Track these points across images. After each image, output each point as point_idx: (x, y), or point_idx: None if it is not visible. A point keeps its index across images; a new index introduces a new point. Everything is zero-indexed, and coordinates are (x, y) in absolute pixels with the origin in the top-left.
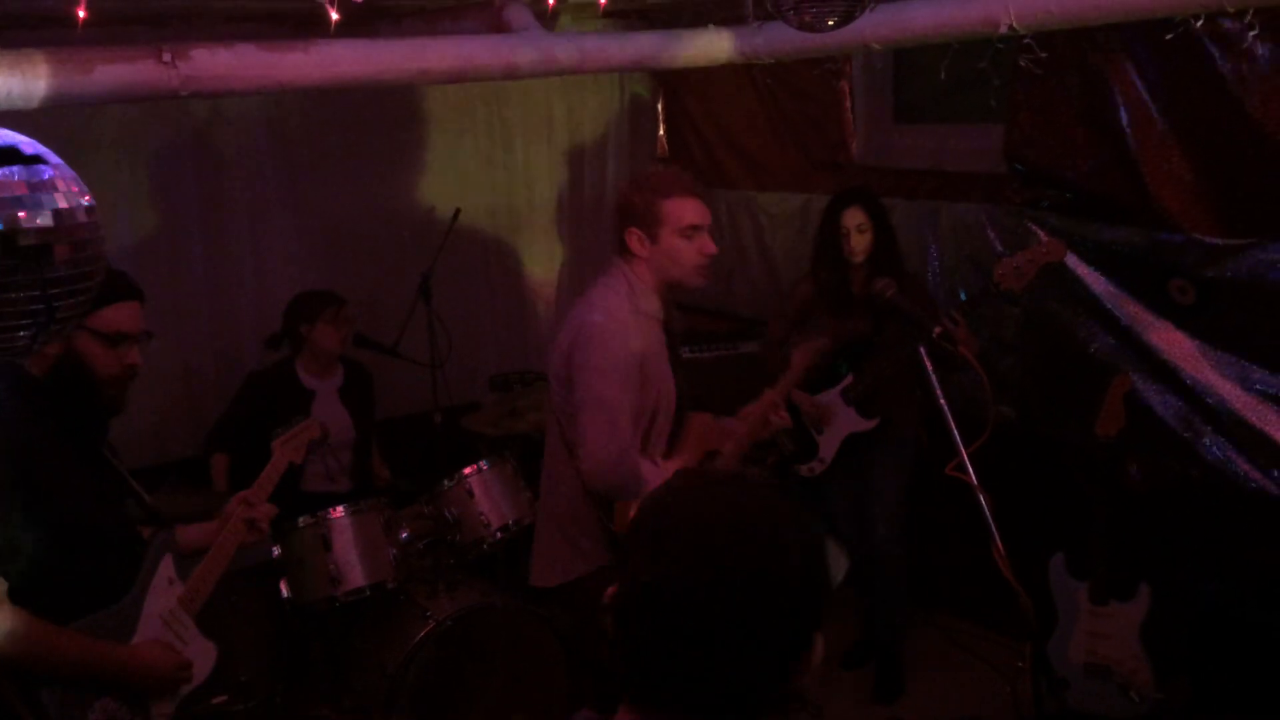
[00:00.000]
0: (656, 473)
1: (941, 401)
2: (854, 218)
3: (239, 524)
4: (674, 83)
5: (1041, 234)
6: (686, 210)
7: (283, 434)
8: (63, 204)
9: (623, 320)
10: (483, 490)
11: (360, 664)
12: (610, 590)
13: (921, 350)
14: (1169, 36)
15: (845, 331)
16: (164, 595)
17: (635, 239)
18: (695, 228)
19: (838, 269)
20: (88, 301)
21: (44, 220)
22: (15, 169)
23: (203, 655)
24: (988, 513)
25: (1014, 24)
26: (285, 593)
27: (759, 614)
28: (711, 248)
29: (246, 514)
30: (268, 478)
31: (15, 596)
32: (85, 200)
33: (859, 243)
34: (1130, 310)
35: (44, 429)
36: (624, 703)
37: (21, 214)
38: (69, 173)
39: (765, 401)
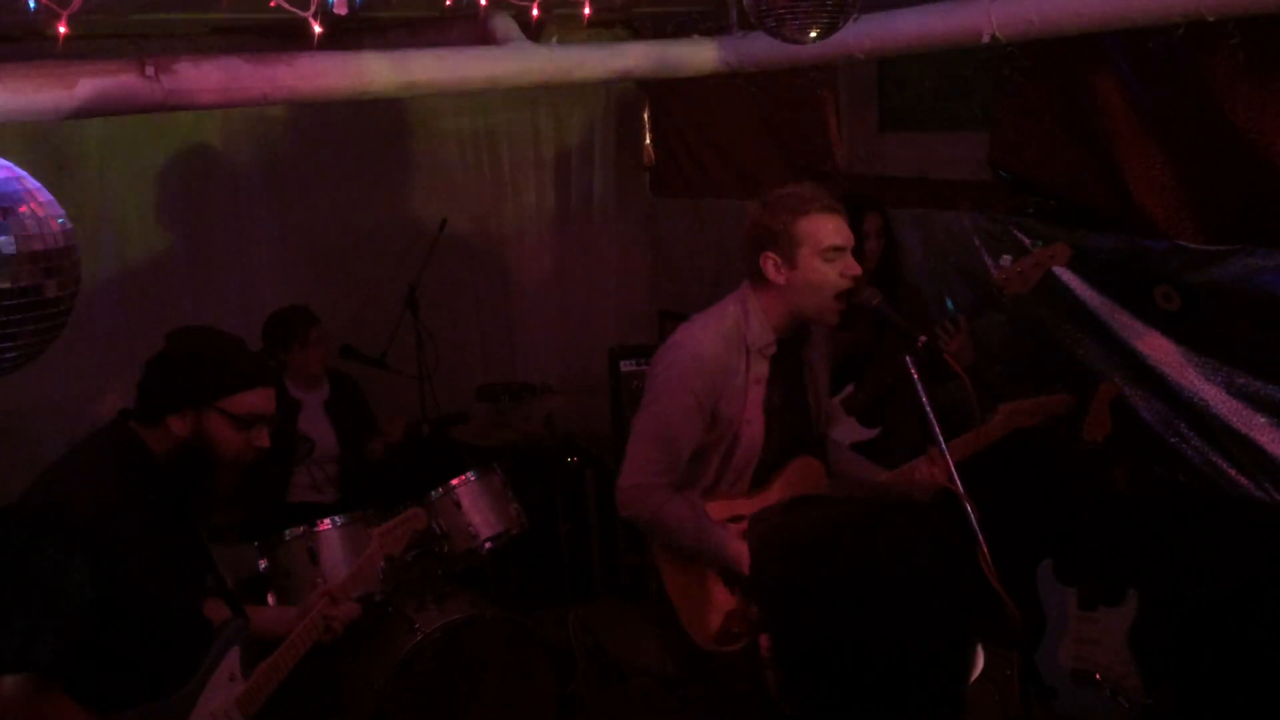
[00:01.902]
0: (692, 519)
1: (929, 411)
2: (873, 224)
3: (317, 619)
4: (660, 92)
5: (1025, 240)
6: (829, 228)
7: (382, 523)
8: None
9: (699, 350)
10: (471, 501)
11: (348, 679)
12: (765, 643)
13: (908, 360)
14: (1151, 44)
15: (846, 341)
16: (222, 691)
17: (771, 264)
18: (838, 249)
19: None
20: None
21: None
22: None
23: None
24: (974, 521)
25: (997, 34)
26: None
27: (937, 653)
28: (855, 269)
29: (328, 611)
30: (359, 573)
31: (69, 682)
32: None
33: (872, 250)
34: (1116, 316)
35: (142, 510)
36: None
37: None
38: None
39: (922, 460)
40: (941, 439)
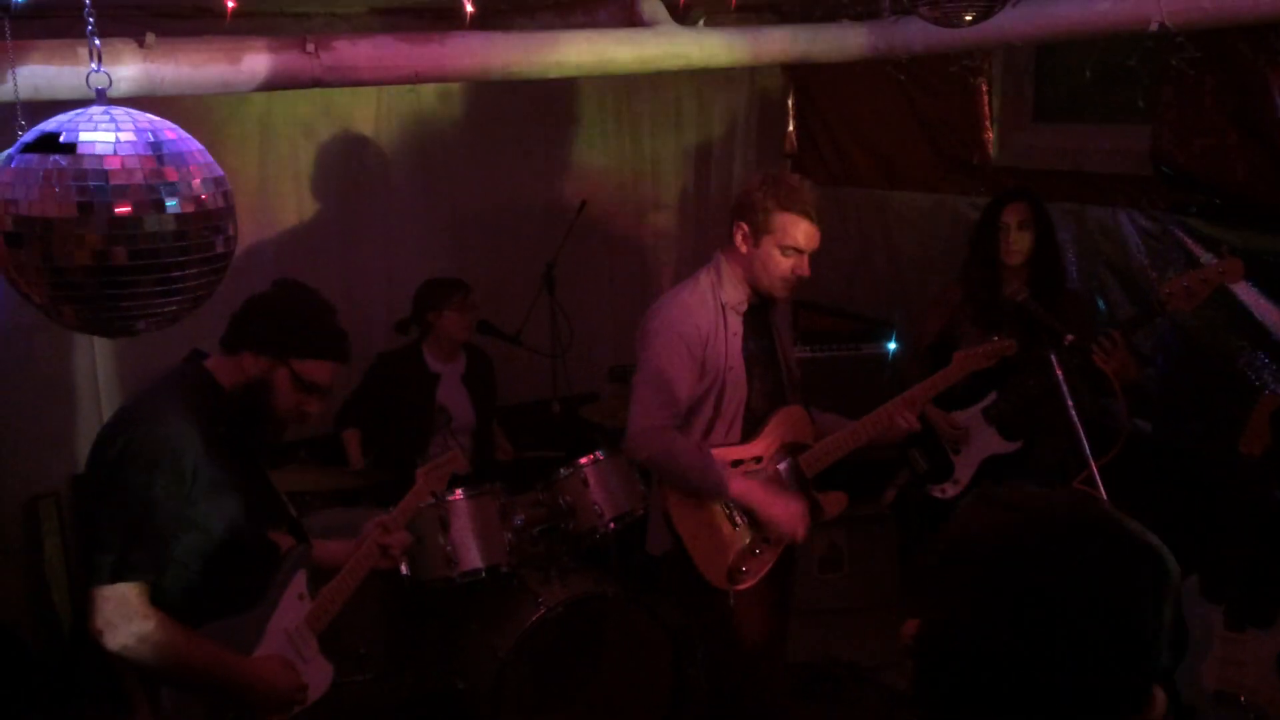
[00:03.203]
0: (697, 455)
1: (1072, 413)
2: (1017, 213)
3: (373, 547)
4: (805, 78)
5: (1186, 240)
6: (797, 231)
7: (425, 463)
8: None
9: (683, 303)
10: (598, 480)
11: (473, 645)
12: (910, 626)
13: (1052, 358)
14: None
15: (992, 346)
16: (293, 610)
17: (740, 235)
18: (798, 250)
19: (991, 272)
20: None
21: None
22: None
23: (320, 675)
24: None
25: (1166, 21)
26: (404, 570)
27: (1083, 661)
28: (805, 272)
29: (382, 539)
30: (408, 504)
31: (155, 594)
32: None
33: (1019, 242)
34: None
35: (215, 434)
36: None
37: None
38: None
39: (898, 400)
40: (1085, 443)
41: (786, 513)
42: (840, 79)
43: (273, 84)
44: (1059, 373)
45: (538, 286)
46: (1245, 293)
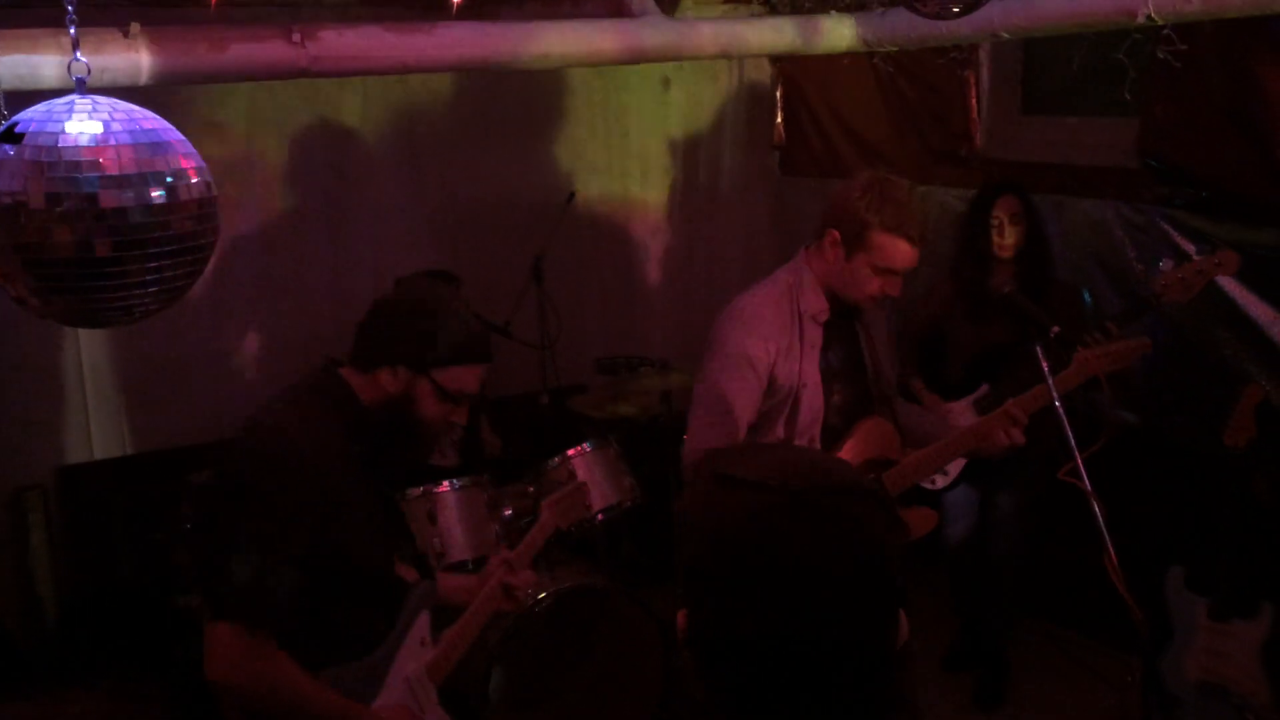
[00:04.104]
0: None
1: (1058, 404)
2: (1008, 206)
3: (497, 588)
4: (792, 70)
5: (1173, 233)
6: (896, 254)
7: (552, 494)
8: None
9: (756, 313)
10: (586, 472)
11: None
12: (681, 620)
13: (1038, 350)
14: None
15: (983, 338)
16: (414, 656)
17: (830, 241)
18: (893, 271)
19: (982, 267)
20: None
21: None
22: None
23: None
24: (1101, 520)
25: (1152, 14)
26: None
27: (854, 646)
28: (895, 291)
29: (506, 578)
30: (534, 540)
31: (279, 634)
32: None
33: (1010, 235)
34: (1266, 316)
35: (352, 454)
36: None
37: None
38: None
39: (999, 414)
40: (1070, 434)
41: None
42: (828, 71)
43: (258, 74)
44: (1045, 365)
45: (526, 278)
46: (1231, 285)
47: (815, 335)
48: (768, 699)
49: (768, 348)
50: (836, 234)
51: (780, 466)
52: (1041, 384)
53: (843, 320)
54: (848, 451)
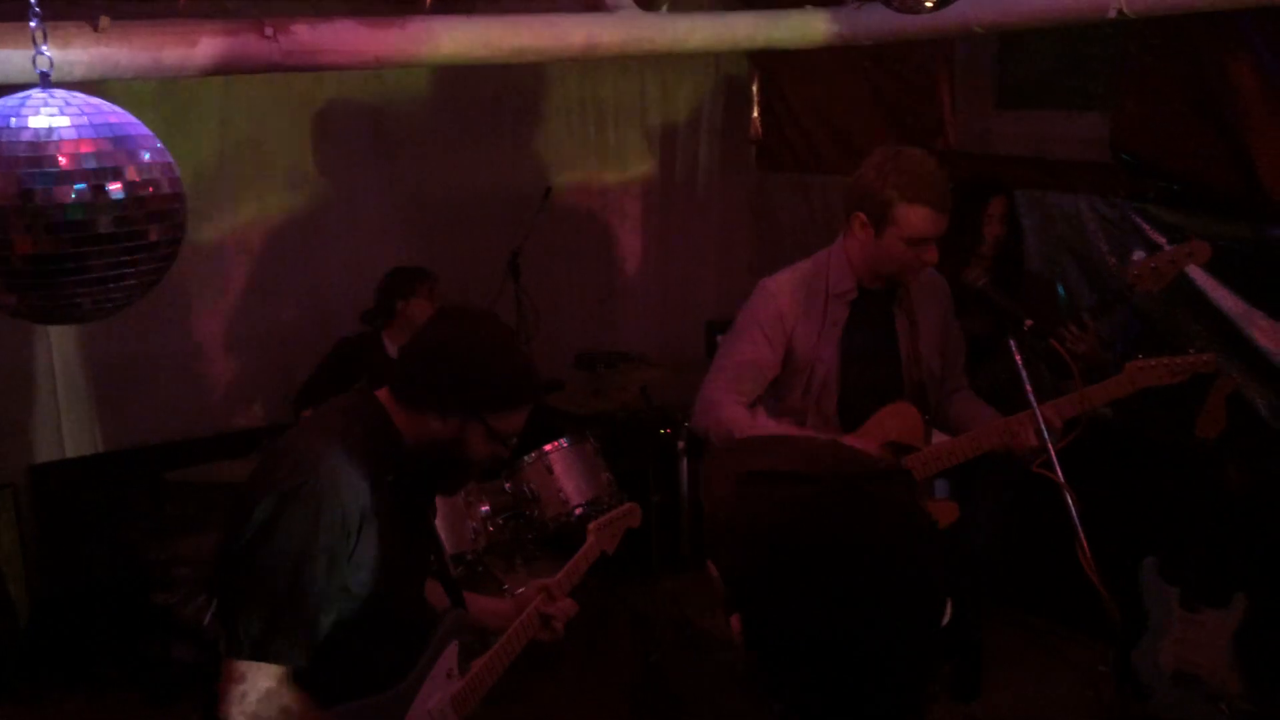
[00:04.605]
0: (745, 423)
1: (1031, 397)
2: (998, 207)
3: (534, 617)
4: (770, 65)
5: (1145, 226)
6: (922, 222)
7: (599, 518)
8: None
9: (781, 283)
10: (563, 467)
11: None
12: (736, 625)
13: (1011, 344)
14: None
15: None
16: (439, 688)
17: (859, 224)
18: (924, 240)
19: (961, 262)
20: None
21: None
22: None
23: None
24: (1074, 512)
25: (1124, 9)
26: None
27: (907, 628)
28: (933, 258)
29: (546, 608)
30: (575, 567)
31: (297, 670)
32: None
33: (994, 234)
34: (1236, 308)
35: (385, 483)
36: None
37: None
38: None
39: (1029, 413)
40: (1044, 427)
41: None
42: (805, 66)
43: (230, 68)
44: (1018, 357)
45: (503, 273)
46: (1202, 278)
47: (839, 314)
48: (833, 688)
49: (782, 313)
50: (862, 215)
51: (807, 457)
52: (1077, 390)
53: (878, 304)
54: (865, 433)
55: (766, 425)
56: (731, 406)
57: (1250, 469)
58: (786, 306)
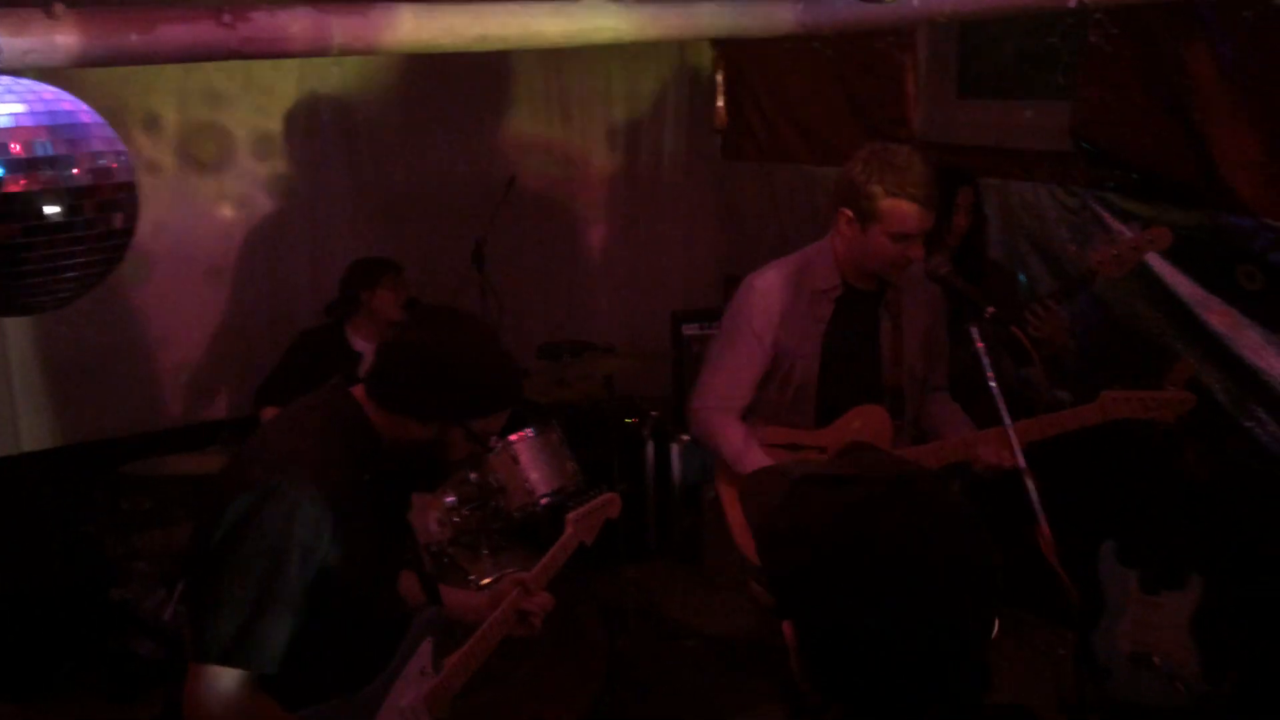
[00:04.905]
0: (739, 445)
1: (992, 383)
2: (965, 198)
3: (510, 612)
4: (734, 54)
5: (1105, 215)
6: (907, 219)
7: (577, 507)
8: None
9: (769, 283)
10: (529, 457)
11: None
12: (789, 630)
13: (974, 330)
14: (1245, 14)
15: None
16: (412, 686)
17: (844, 220)
18: (909, 235)
19: (930, 250)
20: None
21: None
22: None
23: None
24: (1034, 495)
25: None
26: None
27: (961, 629)
28: (918, 254)
29: (522, 603)
30: (553, 560)
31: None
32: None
33: (960, 224)
34: (1194, 295)
35: (360, 481)
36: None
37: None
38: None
39: (997, 432)
40: (1008, 417)
41: None
42: (769, 54)
43: (188, 56)
44: (979, 344)
45: (467, 263)
46: (1160, 265)
47: (823, 311)
48: (895, 689)
49: (772, 319)
50: (848, 211)
51: (853, 462)
52: (1051, 415)
53: (865, 304)
54: (839, 428)
55: (757, 457)
56: (728, 426)
57: (1208, 453)
58: (775, 305)
